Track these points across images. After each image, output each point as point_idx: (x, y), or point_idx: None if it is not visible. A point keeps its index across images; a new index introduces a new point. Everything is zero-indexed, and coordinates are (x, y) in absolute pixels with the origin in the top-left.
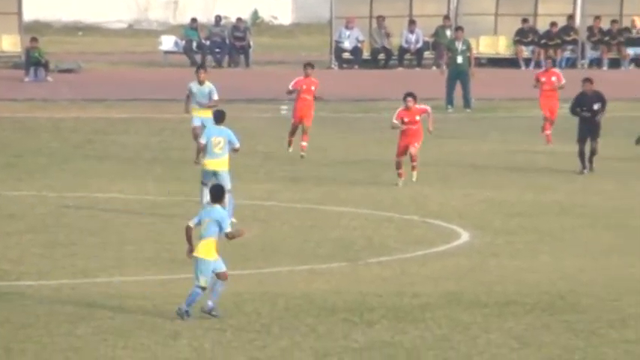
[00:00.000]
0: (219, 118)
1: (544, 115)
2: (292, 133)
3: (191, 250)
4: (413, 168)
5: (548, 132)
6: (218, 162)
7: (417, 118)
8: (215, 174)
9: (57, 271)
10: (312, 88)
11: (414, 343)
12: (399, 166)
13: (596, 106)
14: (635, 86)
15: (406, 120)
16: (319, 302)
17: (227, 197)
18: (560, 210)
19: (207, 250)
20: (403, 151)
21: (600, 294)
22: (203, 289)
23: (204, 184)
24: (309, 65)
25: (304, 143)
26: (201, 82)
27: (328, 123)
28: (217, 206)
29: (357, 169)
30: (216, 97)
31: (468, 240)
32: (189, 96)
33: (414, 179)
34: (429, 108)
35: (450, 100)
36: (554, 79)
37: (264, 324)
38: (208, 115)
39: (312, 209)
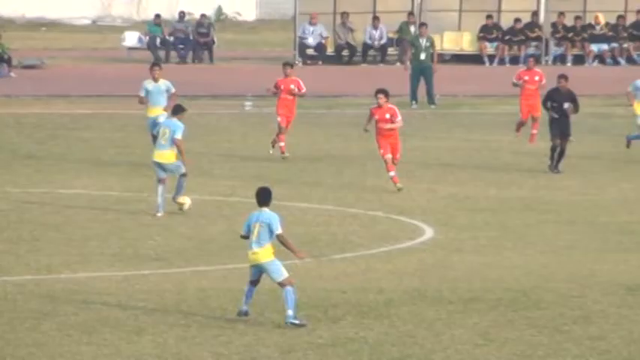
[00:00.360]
0: (175, 110)
1: (521, 118)
2: (280, 133)
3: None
4: (392, 178)
5: (534, 131)
6: (162, 154)
7: (387, 116)
8: (161, 166)
9: (20, 267)
10: (291, 86)
11: (379, 339)
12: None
13: (566, 105)
14: (598, 83)
15: (376, 117)
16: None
17: (182, 180)
18: (525, 206)
19: (266, 255)
20: (386, 150)
21: (564, 290)
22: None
23: (159, 180)
24: (287, 65)
25: (282, 144)
26: (155, 80)
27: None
28: (266, 209)
29: (321, 165)
30: (173, 90)
31: (432, 236)
32: (144, 97)
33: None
34: (399, 123)
35: (413, 97)
36: (537, 78)
37: (228, 320)
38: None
39: (277, 205)
